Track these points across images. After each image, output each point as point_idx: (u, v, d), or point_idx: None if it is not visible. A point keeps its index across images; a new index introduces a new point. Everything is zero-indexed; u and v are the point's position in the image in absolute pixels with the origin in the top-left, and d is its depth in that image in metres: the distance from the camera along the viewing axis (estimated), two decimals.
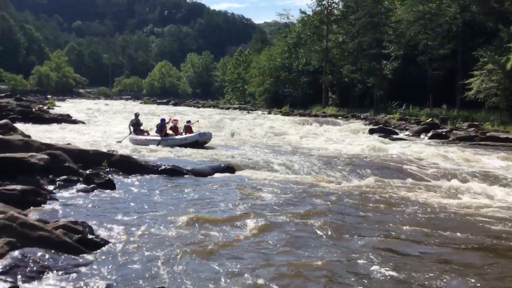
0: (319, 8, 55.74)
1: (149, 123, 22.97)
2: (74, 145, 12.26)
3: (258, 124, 29.80)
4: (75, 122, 26.99)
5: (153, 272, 4.83)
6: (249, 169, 11.95)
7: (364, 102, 47.62)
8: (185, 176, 10.58)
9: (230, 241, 5.89)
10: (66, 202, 7.48)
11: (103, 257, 5.13)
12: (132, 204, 7.72)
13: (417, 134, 25.71)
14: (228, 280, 4.72)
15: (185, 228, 6.37)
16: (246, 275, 4.86)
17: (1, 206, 5.85)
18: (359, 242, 6.08)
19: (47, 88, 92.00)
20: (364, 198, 8.87)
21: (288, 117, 40.51)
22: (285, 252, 5.61)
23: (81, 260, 4.95)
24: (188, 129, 18.28)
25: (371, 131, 25.61)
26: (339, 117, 39.24)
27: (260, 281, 4.72)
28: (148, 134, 18.47)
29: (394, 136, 23.85)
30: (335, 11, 54.91)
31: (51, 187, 8.30)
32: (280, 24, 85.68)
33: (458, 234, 6.59)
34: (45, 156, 8.95)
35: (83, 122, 27.32)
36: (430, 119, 30.40)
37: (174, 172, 10.66)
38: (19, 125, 18.42)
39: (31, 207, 6.81)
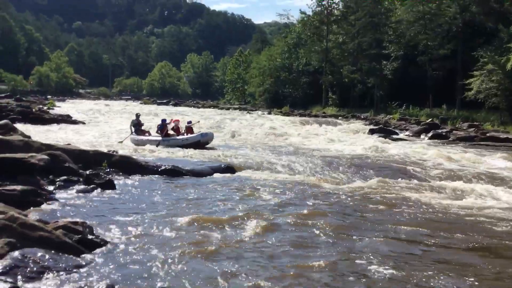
0: (319, 9, 55.80)
1: (149, 123, 22.95)
2: (74, 145, 12.26)
3: (258, 125, 29.81)
4: (75, 122, 27.01)
5: (153, 272, 4.83)
6: (250, 169, 11.94)
7: (364, 102, 47.64)
8: (185, 176, 10.57)
9: (230, 242, 5.88)
10: (66, 203, 7.48)
11: (103, 258, 5.13)
12: (132, 204, 7.72)
13: (417, 134, 25.72)
14: (228, 281, 4.71)
15: (185, 228, 6.37)
16: (246, 275, 4.86)
17: (1, 206, 5.84)
18: (361, 243, 6.07)
19: (47, 88, 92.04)
20: (366, 198, 8.84)
21: (288, 118, 40.51)
22: (286, 253, 5.60)
23: (81, 260, 4.94)
24: (189, 129, 18.25)
25: (371, 132, 25.62)
26: (339, 118, 39.25)
27: (261, 281, 4.71)
28: (150, 135, 18.45)
29: (394, 137, 23.86)
30: (335, 11, 54.96)
31: (51, 188, 8.29)
32: (280, 25, 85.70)
33: (462, 235, 6.56)
34: (45, 157, 8.95)
35: (83, 123, 27.34)
36: (430, 119, 30.41)
37: (174, 172, 10.66)
38: (19, 126, 18.42)
39: (31, 208, 6.81)
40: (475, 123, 28.11)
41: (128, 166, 10.63)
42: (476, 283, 4.91)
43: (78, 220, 5.95)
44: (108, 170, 10.24)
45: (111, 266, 4.90)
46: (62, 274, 4.52)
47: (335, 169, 12.44)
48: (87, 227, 5.71)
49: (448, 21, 36.42)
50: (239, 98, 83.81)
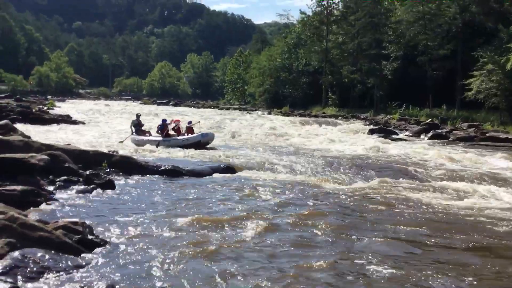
0: (319, 9, 55.77)
1: (149, 124, 22.94)
2: (74, 145, 12.27)
3: (258, 125, 29.81)
4: (75, 122, 27.01)
5: (153, 272, 4.84)
6: (250, 169, 11.94)
7: (364, 102, 47.63)
8: (185, 176, 10.58)
9: (230, 242, 5.89)
10: (66, 203, 7.48)
11: (103, 258, 5.13)
12: (132, 204, 7.73)
13: (417, 134, 25.72)
14: (228, 281, 4.72)
15: (185, 228, 6.38)
16: (246, 275, 4.86)
17: (1, 206, 5.85)
18: (362, 243, 6.07)
19: (47, 88, 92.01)
20: (366, 199, 8.83)
21: (288, 118, 40.50)
22: (286, 253, 5.61)
23: (81, 260, 4.95)
24: (189, 130, 18.22)
25: (371, 132, 25.62)
26: (339, 118, 39.24)
27: (261, 281, 4.72)
28: (150, 135, 18.45)
29: (394, 137, 23.86)
30: (335, 11, 54.94)
31: (51, 188, 8.30)
32: (280, 25, 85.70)
33: (463, 235, 6.54)
34: (45, 157, 8.95)
35: (83, 123, 27.34)
36: (430, 119, 30.40)
37: (174, 172, 10.67)
38: (19, 126, 18.42)
39: (31, 208, 6.81)
40: (475, 123, 28.11)
41: (128, 166, 10.64)
42: (477, 284, 4.91)
43: (78, 220, 5.95)
44: (108, 170, 10.25)
45: (111, 266, 4.91)
46: (62, 274, 4.53)
47: (336, 169, 12.45)
48: (87, 227, 5.71)
49: (448, 21, 36.42)
50: (239, 98, 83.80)
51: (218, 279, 4.73)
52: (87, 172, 9.33)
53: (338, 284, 4.79)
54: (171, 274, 4.81)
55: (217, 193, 8.88)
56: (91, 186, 8.61)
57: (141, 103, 77.63)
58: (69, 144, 12.29)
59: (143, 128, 18.97)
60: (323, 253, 5.62)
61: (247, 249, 5.67)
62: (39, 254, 4.66)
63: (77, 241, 5.27)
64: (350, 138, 23.01)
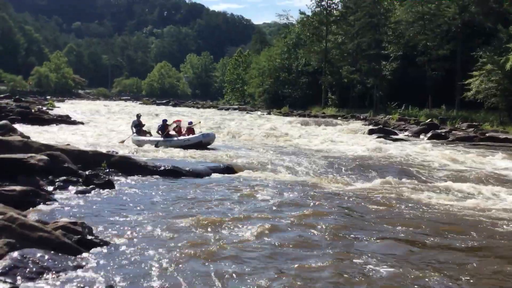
0: (319, 9, 55.86)
1: (149, 124, 22.95)
2: (73, 146, 12.26)
3: (258, 125, 29.83)
4: (74, 123, 26.99)
5: (152, 272, 4.83)
6: (250, 169, 11.92)
7: (363, 102, 47.68)
8: (185, 176, 10.57)
9: (230, 242, 5.88)
10: (66, 203, 7.47)
11: (103, 258, 5.13)
12: (131, 204, 7.72)
13: (416, 134, 25.73)
14: (227, 281, 4.71)
15: (185, 228, 6.37)
16: (246, 276, 4.86)
17: (0, 207, 5.84)
18: (363, 244, 6.05)
19: (46, 89, 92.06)
20: (369, 199, 8.77)
21: (288, 118, 40.55)
22: (286, 253, 5.60)
23: (80, 260, 4.94)
24: (190, 130, 18.18)
25: (371, 132, 25.63)
26: (339, 118, 39.30)
27: (261, 281, 4.71)
28: (151, 135, 18.43)
29: (394, 137, 23.87)
30: (335, 11, 55.02)
31: (50, 188, 8.29)
32: (279, 25, 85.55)
33: (465, 236, 6.51)
34: (45, 157, 8.95)
35: (82, 123, 27.33)
36: (429, 119, 30.42)
37: (174, 172, 10.65)
38: (18, 126, 18.42)
39: (31, 208, 6.80)
40: (474, 123, 28.13)
41: (128, 166, 10.62)
42: (477, 284, 4.91)
43: (77, 220, 5.94)
44: (108, 170, 10.24)
45: (111, 266, 4.90)
46: (61, 275, 4.52)
47: (336, 169, 12.43)
48: (86, 227, 5.71)
49: (447, 22, 36.46)
50: (239, 99, 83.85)
51: (218, 280, 4.73)
52: (87, 172, 9.32)
53: (338, 284, 4.78)
54: (171, 274, 4.80)
55: (216, 193, 8.86)
56: (91, 186, 8.60)
57: (140, 104, 77.70)
58: (68, 145, 12.28)
59: (143, 128, 18.96)
60: (323, 254, 5.61)
61: (247, 249, 5.66)
62: (38, 254, 4.65)
63: (77, 241, 5.26)
64: (350, 138, 23.01)
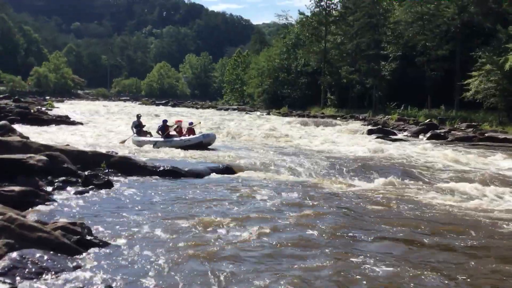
0: (318, 9, 55.84)
1: (149, 124, 22.92)
2: (72, 146, 12.25)
3: (257, 125, 29.83)
4: (73, 123, 26.96)
5: (151, 273, 4.83)
6: (250, 170, 11.91)
7: (362, 103, 47.70)
8: (185, 177, 10.57)
9: (229, 242, 5.88)
10: (65, 203, 7.47)
11: (102, 258, 5.13)
12: (130, 205, 7.71)
13: (415, 134, 25.75)
14: (226, 282, 4.71)
15: (184, 229, 6.37)
16: (244, 276, 4.86)
17: None
18: (364, 245, 6.05)
19: (45, 89, 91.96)
20: (369, 200, 8.76)
21: (287, 118, 40.55)
22: (286, 254, 5.59)
23: (79, 261, 4.94)
24: (190, 130, 18.17)
25: (370, 132, 25.65)
26: (338, 118, 39.31)
27: (261, 282, 4.71)
28: (151, 135, 18.42)
29: (393, 137, 23.88)
30: (334, 12, 55.03)
31: (49, 188, 8.29)
32: (278, 25, 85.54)
33: (467, 237, 6.50)
34: (44, 158, 8.94)
35: (81, 123, 27.32)
36: (428, 119, 30.43)
37: (173, 173, 10.65)
38: (17, 126, 18.42)
39: (30, 208, 6.80)
40: (473, 123, 28.16)
41: (127, 166, 10.62)
42: (477, 284, 4.92)
43: (76, 220, 5.95)
44: (107, 170, 10.23)
45: (110, 267, 4.90)
46: (60, 275, 4.53)
47: (336, 170, 12.42)
48: (85, 227, 5.71)
49: (447, 22, 36.50)
50: (238, 99, 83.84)
51: (217, 280, 4.73)
52: (86, 173, 9.31)
53: (338, 285, 4.79)
54: (170, 275, 4.81)
55: (216, 194, 8.86)
56: (90, 187, 8.60)
57: (139, 104, 77.68)
58: (67, 145, 12.27)
59: (144, 129, 18.95)
60: (323, 254, 5.61)
61: (246, 250, 5.66)
62: (37, 255, 4.65)
63: (76, 242, 5.26)
64: (349, 138, 23.03)
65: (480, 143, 21.23)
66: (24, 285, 4.23)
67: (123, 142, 17.50)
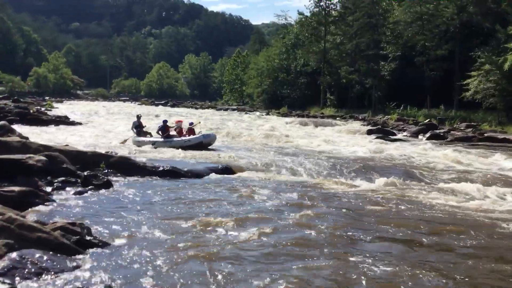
0: (317, 9, 55.86)
1: (148, 125, 22.90)
2: (72, 146, 12.25)
3: (257, 125, 29.83)
4: (73, 123, 26.95)
5: (150, 273, 4.83)
6: (249, 170, 11.91)
7: (362, 103, 47.75)
8: (184, 177, 10.56)
9: (228, 242, 5.88)
10: (64, 204, 7.47)
11: (101, 259, 5.13)
12: (130, 205, 7.71)
13: (415, 134, 25.75)
14: (226, 282, 4.71)
15: (183, 229, 6.37)
16: (244, 276, 4.86)
17: None
18: (365, 245, 6.05)
19: (45, 89, 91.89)
20: (371, 201, 8.76)
21: (287, 118, 40.55)
22: (285, 254, 5.59)
23: (79, 261, 4.94)
24: (191, 131, 18.16)
25: (369, 132, 25.65)
26: (337, 118, 39.32)
27: (260, 282, 4.71)
28: (151, 136, 18.41)
29: (392, 137, 23.88)
30: (333, 12, 55.05)
31: (49, 189, 8.28)
32: (278, 25, 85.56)
33: (468, 237, 6.50)
34: (43, 158, 8.94)
35: (81, 124, 27.30)
36: (428, 119, 30.44)
37: (173, 173, 10.64)
38: (17, 127, 18.40)
39: (29, 209, 6.80)
40: (472, 123, 28.17)
41: (126, 167, 10.61)
42: (476, 284, 4.92)
43: (76, 221, 5.94)
44: (106, 171, 10.23)
45: (109, 267, 4.90)
46: (60, 275, 4.52)
47: (336, 170, 12.41)
48: (85, 228, 5.70)
49: (446, 22, 36.53)
50: (237, 99, 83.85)
51: (216, 280, 4.73)
52: (85, 173, 9.31)
53: (338, 285, 4.79)
54: (169, 275, 4.80)
55: (215, 194, 8.86)
56: (89, 187, 8.60)
57: (139, 104, 77.66)
58: (67, 145, 12.27)
59: (144, 129, 18.94)
60: (323, 254, 5.61)
61: (246, 249, 5.66)
62: (37, 255, 4.65)
63: (75, 242, 5.26)
64: (349, 138, 23.03)
65: (480, 143, 21.23)
66: (23, 285, 4.23)
67: (124, 142, 17.51)
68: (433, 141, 22.56)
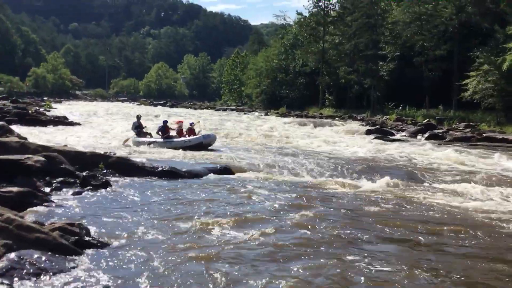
0: (316, 10, 55.89)
1: (148, 125, 22.86)
2: (70, 147, 12.23)
3: (256, 126, 29.82)
4: (71, 124, 26.91)
5: (149, 273, 4.82)
6: (249, 170, 11.89)
7: (361, 103, 47.76)
8: (183, 177, 10.54)
9: (228, 243, 5.87)
10: (63, 204, 7.45)
11: (100, 259, 5.12)
12: (128, 205, 7.70)
13: (413, 135, 25.76)
14: (225, 282, 4.71)
15: (182, 229, 6.36)
16: (243, 276, 4.85)
17: None
18: (365, 245, 6.04)
19: (43, 90, 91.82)
20: (371, 201, 8.74)
21: (285, 119, 40.55)
22: (285, 254, 5.59)
23: (77, 262, 4.93)
24: (191, 131, 18.14)
25: (368, 132, 25.64)
26: (336, 118, 39.33)
27: (260, 282, 4.71)
28: (151, 136, 18.39)
29: (391, 137, 23.88)
30: (332, 12, 55.07)
31: (47, 189, 8.26)
32: (276, 26, 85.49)
33: (469, 237, 6.50)
34: (42, 158, 8.93)
35: (79, 124, 27.27)
36: (426, 120, 30.47)
37: (171, 173, 10.62)
38: (15, 127, 18.38)
39: (28, 209, 6.78)
40: (471, 123, 28.21)
41: (125, 167, 10.59)
42: (476, 284, 4.92)
43: (74, 221, 5.93)
44: (105, 171, 10.22)
45: (108, 268, 4.89)
46: (58, 276, 4.52)
47: (335, 170, 12.40)
48: (83, 228, 5.70)
49: (444, 22, 36.57)
50: (236, 99, 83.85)
51: (215, 280, 4.72)
52: (84, 174, 9.29)
53: (338, 284, 4.78)
54: (168, 275, 4.80)
55: (214, 195, 8.85)
56: (88, 187, 8.59)
57: (137, 105, 77.61)
58: (65, 146, 12.26)
59: (144, 129, 18.93)
60: (324, 254, 5.60)
61: (245, 250, 5.65)
62: (35, 256, 4.64)
63: (74, 243, 5.25)
64: (348, 139, 23.03)
65: (478, 143, 21.25)
66: (22, 286, 4.22)
67: (126, 141, 17.49)
68: (432, 141, 22.57)
